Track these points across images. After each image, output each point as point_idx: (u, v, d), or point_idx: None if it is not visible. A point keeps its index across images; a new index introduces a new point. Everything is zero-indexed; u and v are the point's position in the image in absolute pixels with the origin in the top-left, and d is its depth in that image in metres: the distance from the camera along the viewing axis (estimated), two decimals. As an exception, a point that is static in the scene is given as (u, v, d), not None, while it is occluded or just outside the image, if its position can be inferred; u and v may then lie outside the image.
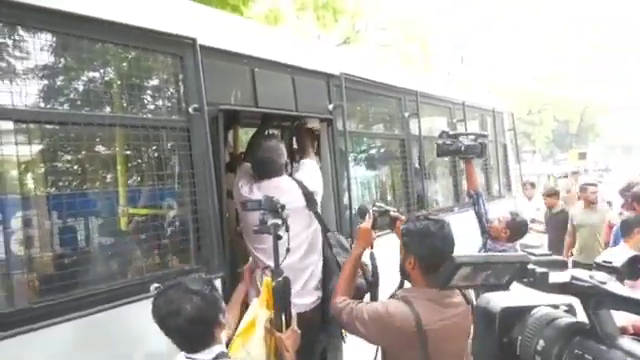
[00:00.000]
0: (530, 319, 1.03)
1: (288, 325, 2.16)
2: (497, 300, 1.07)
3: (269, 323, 2.19)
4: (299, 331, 2.16)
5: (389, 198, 4.57)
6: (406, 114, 4.41)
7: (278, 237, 2.21)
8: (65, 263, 2.31)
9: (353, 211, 3.58)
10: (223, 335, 1.82)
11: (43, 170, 2.37)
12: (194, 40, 2.60)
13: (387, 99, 4.36)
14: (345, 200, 3.56)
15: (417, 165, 4.54)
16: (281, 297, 2.19)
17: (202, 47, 2.63)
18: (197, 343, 1.72)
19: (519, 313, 1.05)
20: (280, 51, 3.24)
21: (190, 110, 2.58)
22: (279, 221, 2.21)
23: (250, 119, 3.97)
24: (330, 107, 3.50)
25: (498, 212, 3.86)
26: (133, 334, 2.23)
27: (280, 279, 2.21)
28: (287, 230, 2.23)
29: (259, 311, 2.22)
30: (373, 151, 4.52)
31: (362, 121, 4.27)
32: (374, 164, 4.37)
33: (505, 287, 1.05)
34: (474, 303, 1.84)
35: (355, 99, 3.87)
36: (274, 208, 2.23)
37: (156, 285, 2.24)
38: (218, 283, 2.53)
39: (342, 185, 3.54)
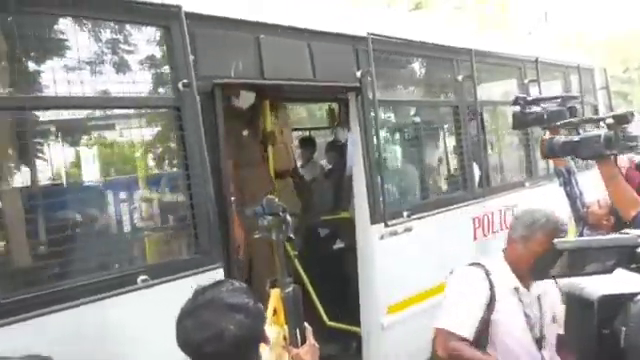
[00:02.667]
0: (635, 308, 0.96)
1: (303, 339, 1.90)
2: (592, 286, 1.01)
3: (283, 340, 1.93)
4: (317, 344, 1.87)
5: (436, 177, 4.03)
6: (459, 77, 3.81)
7: (289, 239, 2.03)
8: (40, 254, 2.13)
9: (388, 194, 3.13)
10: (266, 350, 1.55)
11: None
12: (179, 8, 2.26)
13: (433, 61, 3.79)
14: (378, 181, 3.10)
15: (475, 135, 3.93)
16: (293, 309, 1.95)
17: (190, 15, 2.29)
18: None
19: (620, 301, 0.98)
20: (292, 14, 2.82)
21: (180, 87, 2.27)
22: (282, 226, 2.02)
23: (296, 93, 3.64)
24: (358, 74, 3.04)
25: (591, 188, 3.13)
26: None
27: (290, 289, 1.97)
28: (290, 236, 2.03)
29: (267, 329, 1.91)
30: (415, 122, 3.95)
31: (400, 88, 3.73)
32: (418, 137, 3.81)
33: (609, 273, 1.01)
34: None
35: (390, 63, 3.36)
36: (275, 211, 2.02)
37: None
38: (219, 274, 2.30)
39: (374, 163, 3.09)
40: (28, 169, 2.26)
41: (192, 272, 2.25)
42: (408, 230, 3.32)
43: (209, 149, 2.36)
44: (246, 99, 3.45)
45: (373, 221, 3.11)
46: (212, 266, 2.29)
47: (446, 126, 4.06)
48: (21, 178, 2.21)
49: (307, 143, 5.41)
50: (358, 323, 3.26)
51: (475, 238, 3.84)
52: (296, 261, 3.67)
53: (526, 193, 4.33)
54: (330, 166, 5.15)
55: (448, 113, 3.90)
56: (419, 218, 3.38)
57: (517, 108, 2.87)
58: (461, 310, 2.10)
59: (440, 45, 3.67)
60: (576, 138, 2.51)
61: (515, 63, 4.56)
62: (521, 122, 2.93)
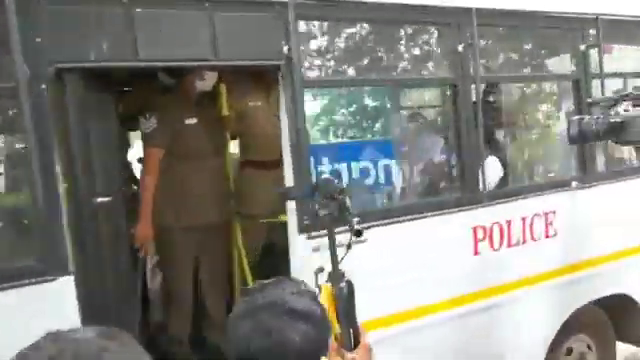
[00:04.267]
0: None
1: (357, 341, 1.68)
2: None
3: (335, 341, 1.63)
4: (372, 347, 1.66)
5: (414, 175, 3.22)
6: (460, 47, 2.97)
7: (358, 233, 1.82)
8: None
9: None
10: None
11: None
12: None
13: (396, 27, 3.00)
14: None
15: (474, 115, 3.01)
16: (346, 307, 1.75)
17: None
18: None
19: None
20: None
21: (19, 73, 1.99)
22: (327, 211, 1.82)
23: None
24: (285, 50, 2.46)
25: None
26: None
27: (343, 284, 1.78)
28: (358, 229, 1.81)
29: None
30: (377, 105, 3.19)
31: (342, 64, 2.98)
32: (380, 125, 3.05)
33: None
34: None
35: (329, 35, 2.68)
36: (330, 194, 1.84)
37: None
38: (68, 284, 2.05)
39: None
40: None
41: (27, 282, 2.00)
42: (360, 241, 2.69)
43: (60, 143, 2.08)
44: (211, 79, 3.09)
45: (302, 229, 2.55)
46: (52, 276, 2.02)
47: (434, 110, 3.23)
48: None
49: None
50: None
51: (476, 252, 3.03)
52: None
53: (571, 196, 3.33)
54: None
55: (437, 92, 3.08)
56: (380, 226, 2.73)
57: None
58: None
59: (409, 4, 2.83)
60: (618, 119, 2.10)
61: (565, 22, 3.47)
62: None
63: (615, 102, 2.36)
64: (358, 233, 1.80)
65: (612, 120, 2.12)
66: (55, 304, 2.05)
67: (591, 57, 3.38)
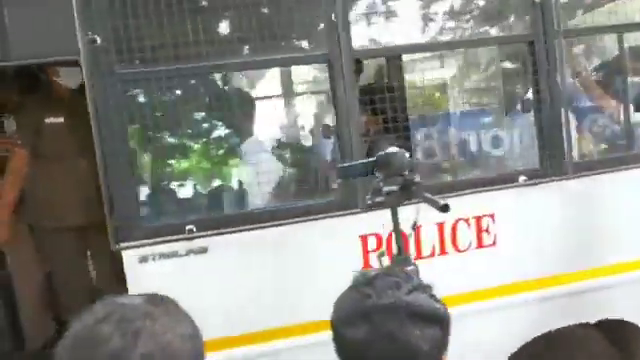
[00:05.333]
0: None
1: None
2: None
3: None
4: None
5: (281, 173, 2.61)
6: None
7: (445, 209, 1.66)
8: None
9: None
10: None
11: None
12: None
13: None
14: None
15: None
16: None
17: None
18: None
19: None
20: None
21: None
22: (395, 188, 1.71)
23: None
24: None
25: None
26: None
27: (412, 267, 1.73)
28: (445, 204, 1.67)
29: None
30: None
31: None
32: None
33: None
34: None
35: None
36: (397, 171, 1.74)
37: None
38: None
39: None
40: None
41: None
42: (199, 252, 2.34)
43: None
44: (73, 76, 2.92)
45: (120, 238, 2.27)
46: None
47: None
48: None
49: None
50: None
51: (367, 266, 2.47)
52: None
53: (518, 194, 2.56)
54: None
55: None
56: (220, 234, 2.33)
57: None
58: None
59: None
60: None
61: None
62: None
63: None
64: (445, 208, 1.64)
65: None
66: None
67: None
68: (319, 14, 2.34)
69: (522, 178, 2.55)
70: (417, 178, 1.73)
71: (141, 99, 2.43)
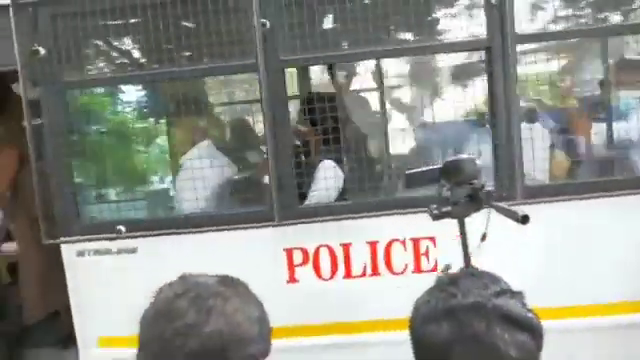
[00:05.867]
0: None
1: None
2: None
3: None
4: None
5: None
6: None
7: (525, 220, 1.54)
8: None
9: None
10: None
11: None
12: None
13: None
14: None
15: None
16: None
17: None
18: None
19: None
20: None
21: None
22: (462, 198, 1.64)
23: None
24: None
25: None
26: None
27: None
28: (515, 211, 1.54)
29: None
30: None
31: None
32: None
33: None
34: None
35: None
36: (466, 179, 1.67)
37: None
38: None
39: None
40: None
41: None
42: (129, 252, 2.45)
43: None
44: None
45: (59, 233, 2.45)
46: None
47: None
48: None
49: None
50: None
51: (292, 280, 2.42)
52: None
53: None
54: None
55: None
56: (150, 235, 2.42)
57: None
58: None
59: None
60: None
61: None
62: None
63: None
64: (525, 220, 1.52)
65: None
66: None
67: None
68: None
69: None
70: (487, 187, 1.63)
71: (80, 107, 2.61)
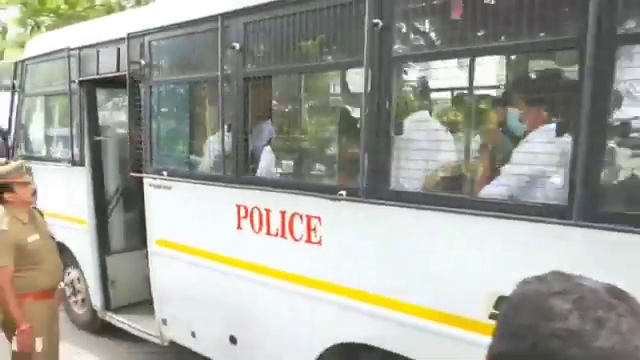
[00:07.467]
0: None
1: None
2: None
3: None
4: None
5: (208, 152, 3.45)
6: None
7: None
8: None
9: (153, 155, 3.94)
10: None
11: None
12: None
13: None
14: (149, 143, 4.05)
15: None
16: None
17: None
18: None
19: None
20: None
21: None
22: None
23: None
24: None
25: None
26: None
27: None
28: None
29: None
30: None
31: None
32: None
33: None
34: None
35: None
36: None
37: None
38: None
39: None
40: None
41: None
42: (167, 188, 3.89)
43: None
44: None
45: (135, 171, 4.12)
46: None
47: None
48: None
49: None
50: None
51: (239, 227, 3.42)
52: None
53: (338, 207, 2.89)
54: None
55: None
56: (176, 181, 3.80)
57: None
58: None
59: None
60: None
61: None
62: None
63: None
64: None
65: None
66: None
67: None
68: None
69: (341, 192, 2.85)
70: None
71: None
